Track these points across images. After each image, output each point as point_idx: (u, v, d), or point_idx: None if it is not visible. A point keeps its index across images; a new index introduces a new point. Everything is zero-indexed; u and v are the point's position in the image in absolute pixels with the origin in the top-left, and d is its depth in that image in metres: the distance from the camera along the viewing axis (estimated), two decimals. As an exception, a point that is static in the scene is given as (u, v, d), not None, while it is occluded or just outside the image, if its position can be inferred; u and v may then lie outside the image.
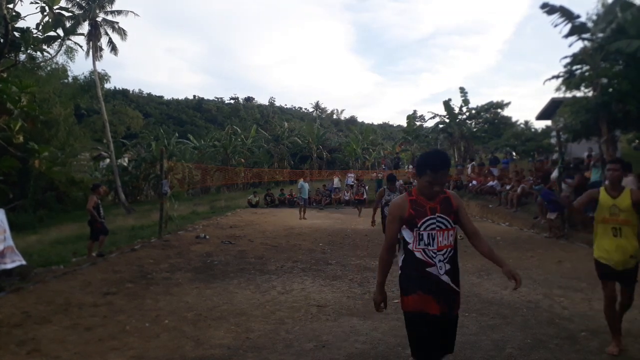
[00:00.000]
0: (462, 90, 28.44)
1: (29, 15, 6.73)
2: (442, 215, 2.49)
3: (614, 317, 3.79)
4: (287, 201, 22.17)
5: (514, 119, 29.70)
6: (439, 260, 2.45)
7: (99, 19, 25.87)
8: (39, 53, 7.62)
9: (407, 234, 2.52)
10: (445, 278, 2.45)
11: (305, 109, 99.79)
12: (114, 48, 26.77)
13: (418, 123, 40.07)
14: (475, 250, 2.72)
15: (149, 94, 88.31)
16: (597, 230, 3.96)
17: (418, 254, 2.47)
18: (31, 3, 6.30)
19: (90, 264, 7.86)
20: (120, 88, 76.92)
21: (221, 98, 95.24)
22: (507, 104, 28.98)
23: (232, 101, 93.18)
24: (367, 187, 20.78)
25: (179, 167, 26.56)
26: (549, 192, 11.31)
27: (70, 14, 16.35)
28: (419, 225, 2.47)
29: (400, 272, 2.59)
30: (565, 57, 13.44)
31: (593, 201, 3.87)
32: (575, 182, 11.41)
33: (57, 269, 7.35)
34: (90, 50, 25.95)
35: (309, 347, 4.01)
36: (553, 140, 20.19)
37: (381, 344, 4.03)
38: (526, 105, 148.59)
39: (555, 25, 12.58)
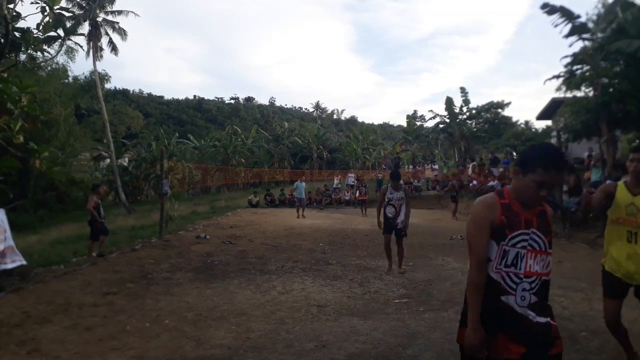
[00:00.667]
0: (462, 90, 28.47)
1: (30, 15, 6.74)
2: (537, 233, 1.90)
3: (622, 335, 3.35)
4: (287, 201, 22.18)
5: (514, 119, 29.74)
6: (523, 289, 1.87)
7: (99, 19, 25.88)
8: (39, 53, 7.63)
9: (489, 247, 1.92)
10: (524, 311, 1.86)
11: (306, 109, 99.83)
12: (114, 48, 26.79)
13: (418, 123, 40.09)
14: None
15: (149, 94, 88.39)
16: (608, 232, 3.26)
17: (495, 276, 1.91)
18: (31, 3, 6.30)
19: (91, 264, 7.86)
20: (121, 88, 77.00)
21: (221, 98, 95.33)
22: (508, 104, 29.03)
23: (232, 101, 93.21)
24: (367, 187, 20.80)
25: (179, 167, 26.57)
26: None
27: (70, 14, 16.38)
28: (507, 239, 1.89)
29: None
30: (566, 57, 13.47)
31: (609, 198, 3.22)
32: (572, 183, 11.43)
33: (57, 269, 7.35)
34: (91, 51, 25.96)
35: (309, 347, 4.01)
36: (553, 141, 20.19)
37: (382, 344, 4.03)
38: (526, 105, 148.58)
39: (556, 26, 12.60)
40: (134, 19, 42.46)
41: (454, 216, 15.65)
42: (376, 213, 7.48)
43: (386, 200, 7.17)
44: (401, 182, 7.50)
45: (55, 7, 6.51)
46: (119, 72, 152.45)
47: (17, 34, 6.35)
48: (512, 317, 1.86)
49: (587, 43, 12.72)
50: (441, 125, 29.94)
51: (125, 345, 4.06)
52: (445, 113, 28.90)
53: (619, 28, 11.53)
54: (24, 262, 6.87)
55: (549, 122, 24.95)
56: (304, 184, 18.28)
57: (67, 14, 8.25)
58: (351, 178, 24.39)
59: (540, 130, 26.51)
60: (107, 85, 35.77)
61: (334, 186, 24.12)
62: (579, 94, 13.35)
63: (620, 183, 3.21)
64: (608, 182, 9.74)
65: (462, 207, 19.09)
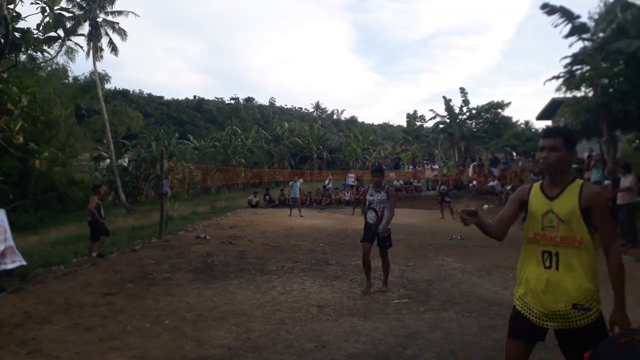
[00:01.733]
0: (462, 90, 28.50)
1: (30, 15, 6.73)
2: None
3: None
4: (287, 201, 22.16)
5: (514, 119, 29.76)
6: None
7: (99, 20, 25.88)
8: (39, 53, 7.62)
9: None
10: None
11: (306, 109, 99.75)
12: (114, 48, 26.79)
13: (418, 123, 40.09)
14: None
15: (149, 94, 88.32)
16: (522, 255, 2.29)
17: None
18: (32, 3, 6.29)
19: (91, 264, 7.87)
20: (121, 88, 76.92)
21: (221, 98, 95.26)
22: (508, 104, 29.07)
23: (232, 101, 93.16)
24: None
25: (179, 167, 26.55)
26: None
27: (70, 14, 16.38)
28: None
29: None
30: (566, 57, 13.48)
31: (523, 207, 2.28)
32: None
33: (58, 269, 7.35)
34: (91, 51, 25.95)
35: (309, 347, 4.01)
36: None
37: (382, 344, 4.03)
38: (526, 105, 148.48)
39: (556, 26, 12.62)
40: (134, 19, 42.47)
41: (453, 216, 15.62)
42: (363, 216, 6.23)
43: (367, 202, 5.95)
44: (385, 181, 6.48)
45: (56, 8, 6.50)
46: (119, 73, 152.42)
47: (17, 34, 6.35)
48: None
49: (587, 43, 12.74)
50: (441, 126, 29.96)
51: (125, 345, 4.06)
52: (446, 113, 28.92)
53: (618, 28, 11.54)
54: (24, 263, 6.87)
55: (549, 122, 24.96)
56: (299, 183, 18.43)
57: (67, 15, 8.24)
58: (351, 178, 24.35)
59: (540, 131, 26.50)
60: (107, 86, 35.79)
61: (326, 187, 24.07)
62: (579, 94, 13.38)
63: (536, 185, 2.29)
64: (606, 182, 9.75)
65: (462, 207, 19.09)
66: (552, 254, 2.11)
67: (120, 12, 26.12)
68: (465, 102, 28.23)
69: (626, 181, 8.68)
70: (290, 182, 18.57)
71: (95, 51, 26.04)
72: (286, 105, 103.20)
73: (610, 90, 12.09)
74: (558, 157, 2.13)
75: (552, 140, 2.16)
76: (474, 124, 29.26)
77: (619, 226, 8.98)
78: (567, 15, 12.39)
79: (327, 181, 24.58)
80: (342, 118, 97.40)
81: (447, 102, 28.33)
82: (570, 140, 2.18)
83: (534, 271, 2.16)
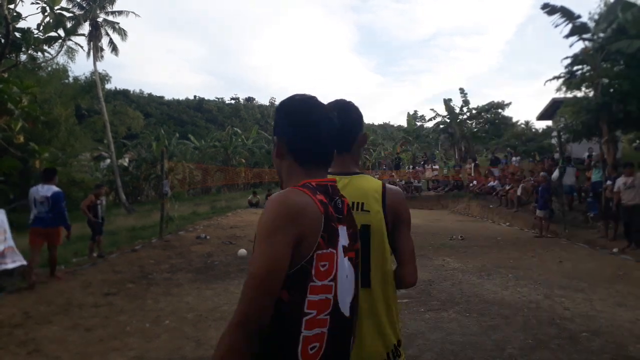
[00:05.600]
0: (461, 90, 28.46)
1: (30, 15, 6.75)
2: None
3: None
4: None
5: (514, 119, 29.76)
6: None
7: (99, 20, 25.87)
8: (39, 53, 7.62)
9: None
10: None
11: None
12: (114, 48, 26.78)
13: (419, 123, 40.09)
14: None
15: (150, 94, 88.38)
16: None
17: None
18: (32, 3, 6.29)
19: (91, 264, 7.87)
20: (121, 88, 77.00)
21: (222, 98, 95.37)
22: (508, 104, 29.02)
23: (232, 101, 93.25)
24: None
25: (180, 167, 26.51)
26: (547, 190, 11.29)
27: (71, 14, 16.34)
28: None
29: None
30: (566, 57, 13.45)
31: None
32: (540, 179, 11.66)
33: (58, 269, 7.35)
34: (91, 51, 25.95)
35: (309, 347, 4.00)
36: (554, 141, 20.18)
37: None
38: (527, 105, 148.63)
39: (556, 26, 12.59)
40: (134, 19, 42.49)
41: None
42: None
43: None
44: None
45: (56, 8, 6.50)
46: (119, 73, 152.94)
47: (17, 34, 6.36)
48: None
49: (587, 43, 12.72)
50: (441, 126, 29.93)
51: (125, 346, 4.06)
52: (446, 113, 28.91)
53: (619, 28, 11.52)
54: (25, 263, 6.87)
55: (549, 123, 24.97)
56: None
57: (67, 14, 8.22)
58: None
59: (540, 131, 26.53)
60: (108, 86, 35.82)
61: None
62: (580, 94, 13.34)
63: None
64: (608, 182, 9.75)
65: (462, 207, 19.10)
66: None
67: (120, 12, 26.11)
68: (466, 102, 28.22)
69: (626, 180, 8.65)
70: None
71: (96, 51, 26.04)
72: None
73: (611, 90, 12.07)
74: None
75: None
76: (474, 124, 29.23)
77: (622, 225, 8.98)
78: (568, 15, 12.37)
79: None
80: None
81: (448, 102, 28.32)
82: None
83: None
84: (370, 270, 1.46)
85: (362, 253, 1.40)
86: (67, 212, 6.90)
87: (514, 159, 22.34)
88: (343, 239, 1.16)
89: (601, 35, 12.33)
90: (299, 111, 1.23)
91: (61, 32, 6.84)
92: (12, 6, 6.28)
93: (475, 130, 28.93)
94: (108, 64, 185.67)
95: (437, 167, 25.72)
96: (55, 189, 6.61)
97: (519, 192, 14.42)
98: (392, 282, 1.51)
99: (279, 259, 1.02)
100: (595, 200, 10.81)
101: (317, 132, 1.21)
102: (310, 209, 1.08)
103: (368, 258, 1.45)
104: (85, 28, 25.08)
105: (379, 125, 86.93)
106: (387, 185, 1.55)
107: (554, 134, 18.50)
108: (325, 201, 1.13)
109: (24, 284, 6.27)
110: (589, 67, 12.73)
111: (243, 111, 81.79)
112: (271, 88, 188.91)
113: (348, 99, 1.64)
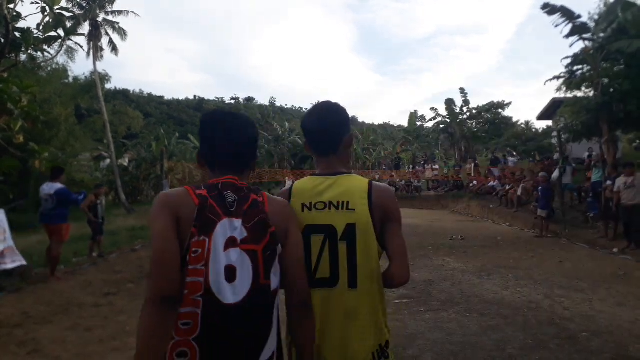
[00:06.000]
0: (462, 90, 28.48)
1: (30, 15, 6.72)
2: None
3: None
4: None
5: (514, 119, 29.74)
6: None
7: (99, 19, 25.86)
8: (39, 53, 7.62)
9: None
10: None
11: (306, 109, 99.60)
12: (114, 48, 26.77)
13: (419, 123, 40.07)
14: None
15: (150, 94, 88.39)
16: None
17: None
18: (32, 3, 6.28)
19: (91, 264, 7.87)
20: (121, 88, 76.93)
21: (222, 98, 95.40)
22: (508, 104, 29.04)
23: (232, 101, 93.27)
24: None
25: (180, 167, 26.49)
26: (548, 190, 11.29)
27: (70, 14, 16.32)
28: None
29: None
30: (566, 57, 13.43)
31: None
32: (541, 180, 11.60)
33: (58, 269, 7.35)
34: (91, 51, 25.94)
35: (309, 347, 4.00)
36: (554, 141, 20.18)
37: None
38: (527, 105, 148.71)
39: (556, 26, 12.58)
40: (134, 19, 42.49)
41: None
42: None
43: None
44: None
45: (56, 7, 6.50)
46: (119, 72, 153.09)
47: (17, 34, 6.35)
48: None
49: (587, 43, 12.71)
50: (442, 126, 29.95)
51: (125, 346, 4.05)
52: (446, 113, 28.93)
53: (619, 28, 11.52)
54: (24, 263, 6.87)
55: (549, 122, 24.96)
56: (291, 182, 18.48)
57: (67, 14, 8.22)
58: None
59: (540, 131, 26.53)
60: (108, 86, 35.79)
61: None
62: (580, 94, 13.33)
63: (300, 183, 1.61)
64: (608, 182, 9.74)
65: (462, 207, 19.09)
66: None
67: (120, 12, 26.11)
68: (466, 102, 28.23)
69: (628, 180, 8.64)
70: (285, 181, 18.77)
71: (96, 51, 26.02)
72: (286, 105, 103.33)
73: (611, 90, 12.06)
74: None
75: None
76: (474, 123, 29.24)
77: (622, 225, 8.98)
78: (568, 15, 12.37)
79: (288, 182, 24.60)
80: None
81: (449, 102, 28.33)
82: None
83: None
84: (357, 270, 1.44)
85: (348, 252, 1.43)
86: (69, 211, 7.00)
87: (510, 159, 22.36)
88: (230, 231, 1.26)
89: (601, 35, 12.32)
90: (202, 126, 1.46)
91: (61, 32, 6.83)
92: (12, 6, 6.27)
93: (475, 130, 28.94)
94: (108, 63, 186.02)
95: (437, 167, 25.70)
96: (58, 186, 7.00)
97: (519, 192, 14.42)
98: (379, 282, 1.48)
99: (164, 236, 1.20)
100: (595, 200, 10.81)
101: (213, 143, 1.41)
102: (183, 200, 1.27)
103: (354, 257, 1.44)
104: (85, 28, 25.08)
105: (379, 125, 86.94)
106: (375, 183, 1.53)
107: (554, 133, 18.50)
108: (205, 195, 1.29)
109: (24, 284, 6.27)
110: (589, 67, 12.72)
111: (243, 111, 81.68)
112: (271, 88, 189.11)
113: (334, 101, 1.63)
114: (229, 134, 1.41)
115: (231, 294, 1.22)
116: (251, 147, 1.47)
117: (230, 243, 1.25)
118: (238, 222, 1.27)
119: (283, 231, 1.35)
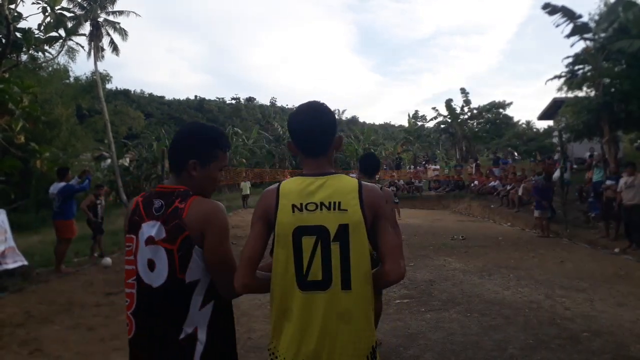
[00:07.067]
0: (462, 90, 28.45)
1: (31, 15, 6.73)
2: None
3: None
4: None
5: (515, 119, 29.69)
6: None
7: (100, 20, 25.90)
8: (40, 53, 7.64)
9: None
10: None
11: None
12: (115, 48, 26.80)
13: (420, 123, 40.06)
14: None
15: (151, 94, 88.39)
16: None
17: None
18: (33, 3, 6.29)
19: (92, 264, 7.88)
20: (122, 88, 76.96)
21: (222, 98, 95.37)
22: (509, 104, 29.00)
23: (233, 101, 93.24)
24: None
25: (180, 167, 26.52)
26: (544, 190, 11.27)
27: (71, 14, 16.36)
28: None
29: None
30: (567, 57, 13.42)
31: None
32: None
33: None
34: (92, 51, 25.98)
35: (310, 347, 4.00)
36: (555, 140, 20.16)
37: (383, 345, 4.02)
38: (528, 105, 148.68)
39: (557, 26, 12.58)
40: (135, 19, 42.53)
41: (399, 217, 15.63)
42: None
43: None
44: (384, 181, 5.93)
45: (57, 8, 6.50)
46: (120, 73, 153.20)
47: (18, 34, 6.36)
48: None
49: (588, 43, 12.70)
50: (442, 125, 29.93)
51: (126, 346, 4.05)
52: (447, 113, 28.91)
53: (620, 28, 11.51)
54: (26, 263, 6.89)
55: (550, 122, 24.93)
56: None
57: (68, 14, 8.23)
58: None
59: (541, 130, 26.50)
60: (109, 86, 35.85)
61: (242, 194, 23.18)
62: (581, 94, 13.32)
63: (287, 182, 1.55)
64: (608, 182, 9.73)
65: (463, 207, 19.09)
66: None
67: (121, 12, 26.13)
68: (467, 102, 28.21)
69: (628, 180, 8.64)
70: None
71: (97, 51, 26.06)
72: (287, 105, 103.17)
73: (612, 90, 12.05)
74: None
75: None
76: (475, 123, 29.22)
77: (623, 225, 8.97)
78: (569, 15, 12.36)
79: (242, 184, 24.65)
80: (343, 118, 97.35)
81: (449, 102, 28.33)
82: None
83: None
84: (351, 271, 1.40)
85: (341, 253, 1.41)
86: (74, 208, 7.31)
87: (509, 160, 22.34)
88: (152, 231, 1.49)
89: (602, 34, 12.31)
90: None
91: (62, 32, 6.85)
92: (13, 6, 6.28)
93: (476, 130, 28.91)
94: (109, 63, 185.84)
95: (438, 167, 25.70)
96: (61, 184, 7.61)
97: (520, 192, 14.41)
98: (371, 283, 1.45)
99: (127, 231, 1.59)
100: (596, 200, 10.80)
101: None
102: (131, 205, 1.63)
103: (348, 259, 1.41)
104: (86, 28, 25.11)
105: (380, 125, 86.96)
106: (363, 182, 1.52)
107: (555, 133, 18.48)
108: (139, 200, 1.60)
109: (26, 284, 6.28)
110: (590, 67, 12.71)
111: (244, 111, 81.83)
112: (272, 88, 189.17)
113: (321, 101, 1.59)
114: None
115: (154, 279, 1.49)
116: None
117: (149, 241, 1.50)
118: (157, 224, 1.50)
119: (199, 236, 1.50)
